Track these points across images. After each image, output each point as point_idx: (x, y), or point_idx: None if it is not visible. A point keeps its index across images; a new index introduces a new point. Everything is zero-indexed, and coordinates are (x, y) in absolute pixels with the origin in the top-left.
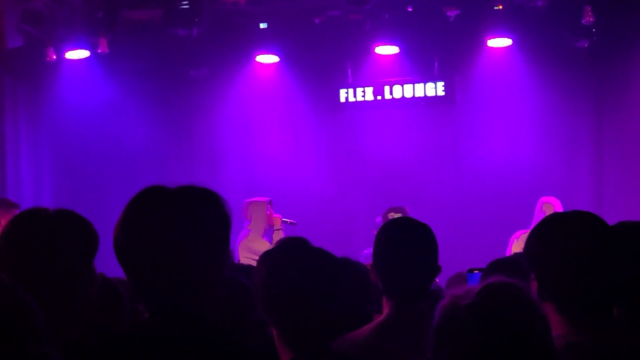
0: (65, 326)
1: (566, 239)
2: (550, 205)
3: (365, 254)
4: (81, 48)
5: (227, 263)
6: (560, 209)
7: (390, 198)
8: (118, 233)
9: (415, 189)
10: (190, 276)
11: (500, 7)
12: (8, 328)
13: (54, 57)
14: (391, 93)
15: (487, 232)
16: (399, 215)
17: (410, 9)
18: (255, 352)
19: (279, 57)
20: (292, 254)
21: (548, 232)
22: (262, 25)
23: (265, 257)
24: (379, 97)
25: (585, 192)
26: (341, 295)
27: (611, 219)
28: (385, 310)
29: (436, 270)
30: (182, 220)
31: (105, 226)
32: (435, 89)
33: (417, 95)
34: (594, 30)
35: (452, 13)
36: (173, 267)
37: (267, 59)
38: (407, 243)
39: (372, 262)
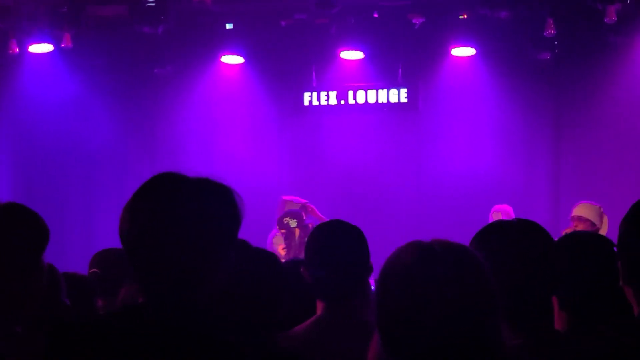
0: (11, 318)
1: (503, 246)
2: (499, 214)
3: None
4: (45, 42)
5: (231, 258)
6: (511, 216)
7: (351, 202)
8: (124, 216)
9: (376, 193)
10: (192, 266)
11: (465, 16)
12: None
13: (17, 50)
14: (355, 98)
15: (446, 236)
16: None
17: (376, 15)
18: (245, 346)
19: (244, 58)
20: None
21: (485, 239)
22: (228, 26)
23: None
24: (342, 102)
25: (543, 200)
26: (280, 294)
27: (567, 226)
28: (318, 310)
29: (367, 271)
30: (194, 210)
31: (63, 221)
32: (398, 95)
33: (380, 101)
34: (555, 42)
35: (417, 21)
36: (176, 255)
37: (232, 59)
38: (335, 245)
39: (304, 265)
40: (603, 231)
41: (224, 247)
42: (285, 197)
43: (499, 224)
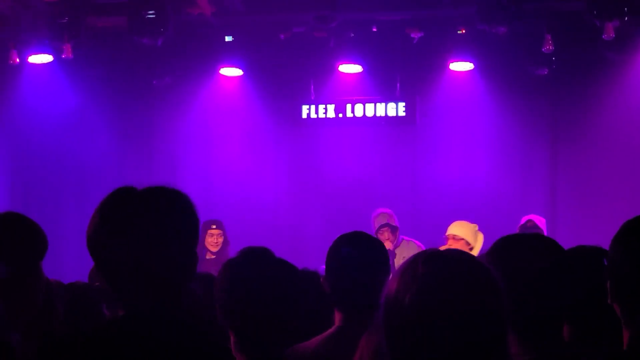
0: (9, 326)
1: (518, 259)
2: (532, 221)
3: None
4: (44, 52)
5: (195, 263)
6: (543, 227)
7: (348, 215)
8: (90, 233)
9: (372, 206)
10: (160, 275)
11: (463, 31)
12: None
13: (17, 60)
14: (353, 111)
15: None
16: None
17: (374, 30)
18: (222, 353)
19: (243, 71)
20: (254, 262)
21: (500, 253)
22: (228, 38)
23: (228, 264)
24: (340, 115)
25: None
26: (299, 304)
27: (563, 243)
28: (336, 321)
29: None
30: (152, 220)
31: (59, 231)
32: (396, 109)
33: (378, 114)
34: (553, 58)
35: (415, 35)
36: (144, 266)
37: (231, 72)
38: (358, 257)
39: (325, 275)
40: (476, 250)
41: (190, 252)
42: (380, 210)
43: (516, 238)
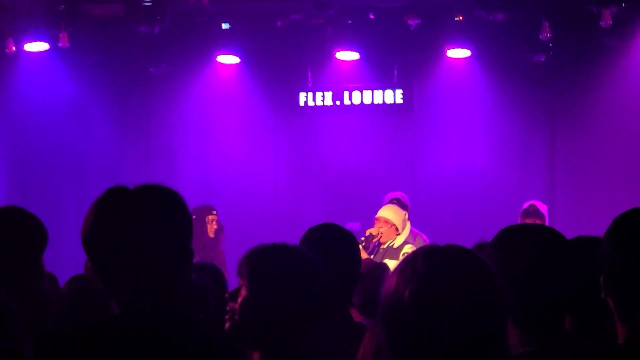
0: (24, 332)
1: (520, 249)
2: (534, 205)
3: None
4: (41, 40)
5: (190, 259)
6: (545, 213)
7: (346, 202)
8: (85, 232)
9: (370, 193)
10: (156, 272)
11: (461, 18)
12: None
13: (13, 48)
14: (350, 98)
15: (440, 238)
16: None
17: (372, 16)
18: (223, 348)
19: (240, 58)
20: (274, 256)
21: (501, 243)
22: (224, 26)
23: (253, 257)
24: (338, 102)
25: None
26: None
27: (562, 230)
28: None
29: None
30: (147, 218)
31: (58, 222)
32: (393, 96)
33: (375, 101)
34: (550, 45)
35: (413, 22)
36: (140, 264)
37: (228, 59)
38: (330, 249)
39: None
40: (403, 236)
41: (184, 248)
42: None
43: (518, 228)
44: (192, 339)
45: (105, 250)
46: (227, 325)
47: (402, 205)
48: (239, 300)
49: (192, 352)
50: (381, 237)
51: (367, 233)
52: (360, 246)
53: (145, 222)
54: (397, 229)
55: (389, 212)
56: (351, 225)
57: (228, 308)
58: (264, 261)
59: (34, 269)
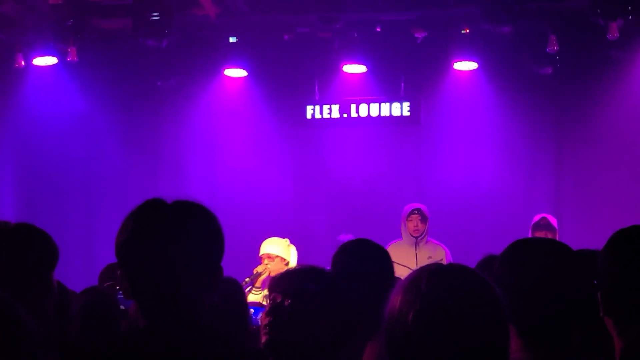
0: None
1: (527, 263)
2: (546, 218)
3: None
4: (49, 55)
5: (220, 277)
6: (556, 226)
7: (352, 215)
8: (120, 241)
9: (377, 207)
10: (190, 286)
11: (467, 30)
12: (4, 343)
13: (22, 63)
14: (357, 111)
15: (448, 250)
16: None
17: (378, 30)
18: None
19: (247, 72)
20: (314, 278)
21: (510, 256)
22: (232, 39)
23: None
24: (345, 115)
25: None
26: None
27: (568, 241)
28: None
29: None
30: (182, 233)
31: (65, 236)
32: (400, 109)
33: (382, 114)
34: (557, 57)
35: (419, 35)
36: (171, 278)
37: (235, 73)
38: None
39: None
40: (293, 263)
41: (216, 266)
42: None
43: (526, 242)
44: (216, 356)
45: (138, 260)
46: (263, 339)
47: (422, 216)
48: (274, 315)
49: None
50: (270, 272)
51: (254, 271)
52: (246, 287)
53: (180, 237)
54: (283, 259)
55: (269, 247)
56: (344, 237)
57: (265, 322)
58: (305, 281)
59: (44, 285)
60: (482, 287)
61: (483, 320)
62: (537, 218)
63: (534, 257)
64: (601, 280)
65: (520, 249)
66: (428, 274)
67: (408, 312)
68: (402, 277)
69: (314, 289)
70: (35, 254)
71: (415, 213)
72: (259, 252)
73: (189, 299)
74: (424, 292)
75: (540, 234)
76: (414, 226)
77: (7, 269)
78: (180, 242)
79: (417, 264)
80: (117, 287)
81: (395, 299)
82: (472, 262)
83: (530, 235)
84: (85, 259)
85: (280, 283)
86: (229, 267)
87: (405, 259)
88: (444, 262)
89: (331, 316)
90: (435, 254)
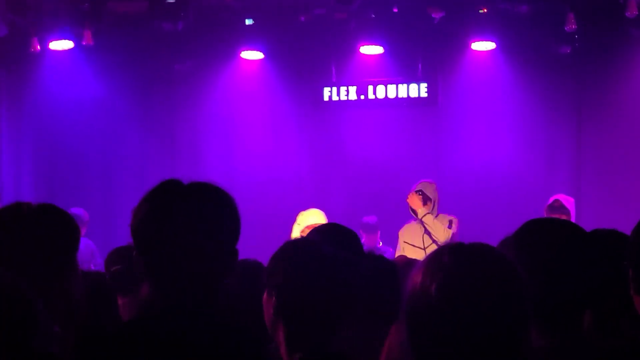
0: (49, 318)
1: (539, 244)
2: (559, 201)
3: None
4: (65, 39)
5: (236, 260)
6: (571, 207)
7: (370, 199)
8: (136, 223)
9: (395, 189)
10: (206, 268)
11: (485, 10)
12: (13, 325)
13: (38, 47)
14: (374, 93)
15: (465, 235)
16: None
17: (395, 10)
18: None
19: (264, 54)
20: (311, 256)
21: (522, 237)
22: (248, 22)
23: (285, 252)
24: (362, 97)
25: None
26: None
27: (588, 224)
28: None
29: None
30: (198, 215)
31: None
32: (418, 90)
33: (400, 95)
34: (576, 36)
35: (437, 15)
36: (187, 261)
37: (252, 55)
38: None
39: None
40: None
41: (232, 249)
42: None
43: (538, 223)
44: (229, 342)
45: (154, 242)
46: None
47: (424, 196)
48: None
49: (227, 352)
50: None
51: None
52: None
53: (196, 219)
54: None
55: (313, 218)
56: (367, 220)
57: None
58: (299, 257)
59: (69, 267)
60: (504, 261)
61: (507, 291)
62: (550, 200)
63: (545, 238)
64: (632, 258)
65: (531, 230)
66: (450, 248)
67: (431, 285)
68: (412, 257)
69: (308, 267)
70: (58, 236)
71: (417, 193)
72: (294, 224)
73: (205, 281)
74: (447, 265)
75: (554, 217)
76: (414, 206)
77: (30, 251)
78: (196, 223)
79: (423, 243)
80: (121, 271)
81: (416, 274)
82: (491, 242)
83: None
84: (104, 243)
85: (277, 264)
86: (245, 249)
87: (414, 239)
88: (449, 228)
89: (326, 293)
90: (441, 221)
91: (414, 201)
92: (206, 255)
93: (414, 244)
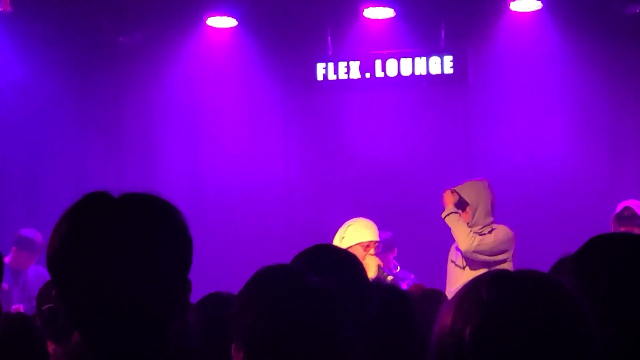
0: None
1: (605, 265)
2: (631, 209)
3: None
4: None
5: (188, 292)
6: None
7: (382, 205)
8: (53, 250)
9: (414, 193)
10: (143, 308)
11: None
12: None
13: None
14: (384, 70)
15: None
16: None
17: None
18: None
19: (237, 20)
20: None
21: (582, 259)
22: None
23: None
24: (367, 75)
25: (632, 198)
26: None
27: None
28: None
29: None
30: (134, 236)
31: (2, 239)
32: (441, 64)
33: (417, 72)
34: None
35: None
36: (123, 296)
37: (222, 22)
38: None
39: None
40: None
41: (181, 278)
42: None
43: (610, 239)
44: None
45: (77, 274)
46: None
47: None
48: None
49: None
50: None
51: (379, 274)
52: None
53: (132, 241)
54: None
55: (375, 231)
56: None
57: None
58: (274, 292)
59: None
60: (565, 300)
61: (568, 343)
62: (619, 208)
63: (615, 258)
64: None
65: (597, 248)
66: (488, 281)
67: (464, 329)
68: (455, 280)
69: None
70: None
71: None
72: (336, 238)
73: (145, 327)
74: (485, 301)
75: (624, 229)
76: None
77: None
78: (129, 249)
79: (463, 260)
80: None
81: (446, 313)
82: (539, 263)
83: (612, 230)
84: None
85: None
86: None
87: (456, 254)
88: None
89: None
90: (497, 230)
91: (445, 198)
92: (146, 287)
93: (455, 261)
